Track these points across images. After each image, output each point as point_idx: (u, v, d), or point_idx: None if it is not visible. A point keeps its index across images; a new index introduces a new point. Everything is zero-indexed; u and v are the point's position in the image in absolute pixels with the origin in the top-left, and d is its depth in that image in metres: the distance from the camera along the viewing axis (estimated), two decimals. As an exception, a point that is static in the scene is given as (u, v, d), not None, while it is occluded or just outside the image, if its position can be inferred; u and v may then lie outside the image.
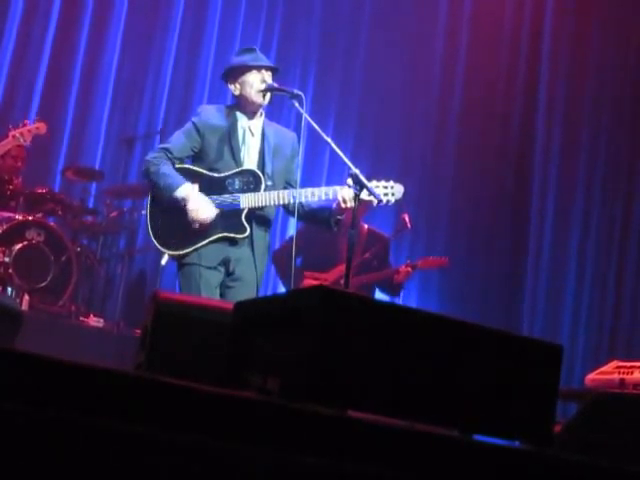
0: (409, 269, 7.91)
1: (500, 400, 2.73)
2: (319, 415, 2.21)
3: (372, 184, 5.06)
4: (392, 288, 7.97)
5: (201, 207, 5.15)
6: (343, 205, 5.08)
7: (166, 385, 2.06)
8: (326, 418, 2.21)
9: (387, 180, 5.18)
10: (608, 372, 5.52)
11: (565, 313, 10.06)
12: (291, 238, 7.84)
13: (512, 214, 10.36)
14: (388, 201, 5.14)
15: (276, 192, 5.18)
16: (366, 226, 8.03)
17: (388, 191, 5.14)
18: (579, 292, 10.12)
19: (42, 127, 7.13)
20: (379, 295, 8.01)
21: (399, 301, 8.39)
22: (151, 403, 2.00)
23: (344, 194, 5.07)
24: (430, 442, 2.31)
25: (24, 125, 7.08)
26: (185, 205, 5.15)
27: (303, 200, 5.19)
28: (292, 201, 5.18)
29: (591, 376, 5.61)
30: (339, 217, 5.24)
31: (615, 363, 5.60)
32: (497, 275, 10.13)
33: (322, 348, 2.47)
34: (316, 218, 5.34)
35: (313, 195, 5.16)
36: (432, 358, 2.63)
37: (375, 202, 5.05)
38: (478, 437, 2.71)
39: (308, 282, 7.35)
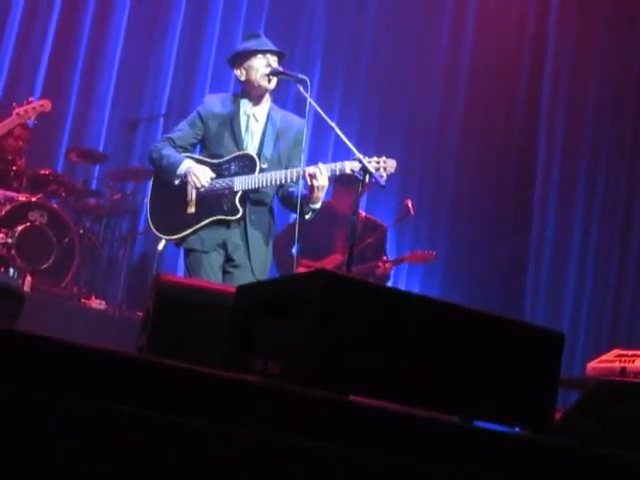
0: (387, 265, 7.84)
1: (501, 386, 2.74)
2: (320, 399, 2.21)
3: (365, 161, 5.03)
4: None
5: (201, 174, 5.22)
6: (309, 182, 5.07)
7: (168, 368, 2.06)
8: (327, 402, 2.21)
9: (379, 155, 5.16)
10: (609, 360, 5.52)
11: (567, 301, 10.07)
12: (290, 226, 7.84)
13: (515, 202, 10.36)
14: (380, 176, 5.12)
15: (268, 173, 5.18)
16: (364, 213, 7.99)
17: (380, 166, 5.11)
18: (581, 280, 10.13)
19: (47, 104, 7.08)
20: None
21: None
22: (153, 386, 2.00)
23: (310, 170, 5.07)
24: (430, 427, 2.31)
25: (28, 103, 7.04)
26: (187, 178, 5.22)
27: (290, 180, 5.18)
28: (284, 181, 5.19)
29: (592, 364, 5.61)
30: (312, 205, 5.21)
31: (616, 351, 5.61)
32: (499, 263, 10.12)
33: (323, 332, 2.47)
34: (291, 204, 5.32)
35: (297, 176, 5.14)
36: (433, 343, 2.63)
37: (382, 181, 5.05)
38: (478, 423, 2.71)
39: (303, 270, 7.31)
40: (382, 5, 10.42)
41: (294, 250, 7.44)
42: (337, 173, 5.09)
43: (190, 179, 5.21)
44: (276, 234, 7.97)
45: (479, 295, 9.52)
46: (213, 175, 5.24)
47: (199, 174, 5.21)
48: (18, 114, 6.95)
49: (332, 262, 7.60)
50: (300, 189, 5.14)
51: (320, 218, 7.43)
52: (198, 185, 5.20)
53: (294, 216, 5.50)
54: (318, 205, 5.22)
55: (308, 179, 5.06)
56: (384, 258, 7.97)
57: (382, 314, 2.55)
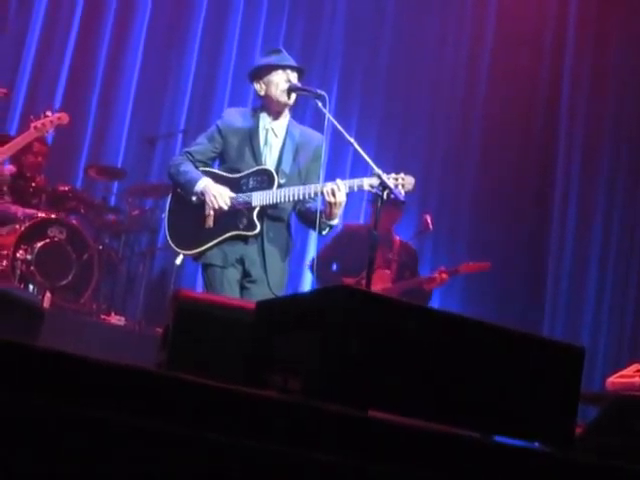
0: (444, 276, 7.82)
1: (521, 402, 2.73)
2: (340, 415, 2.21)
3: (384, 177, 4.97)
4: (420, 296, 7.84)
5: (219, 194, 5.19)
6: (327, 199, 5.06)
7: (187, 383, 2.06)
8: (347, 418, 2.21)
9: (397, 172, 5.14)
10: (629, 375, 5.50)
11: (586, 315, 10.01)
12: (328, 246, 7.85)
13: (534, 215, 10.33)
14: (399, 192, 5.08)
15: (286, 189, 5.16)
16: (398, 238, 8.02)
17: (399, 183, 5.07)
18: (600, 294, 10.07)
19: (64, 117, 7.08)
20: None
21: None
22: (172, 401, 2.00)
23: (327, 188, 5.02)
24: (451, 443, 2.31)
25: (46, 116, 7.04)
26: (204, 197, 5.20)
27: (308, 196, 5.16)
28: (301, 197, 5.17)
29: (612, 379, 5.58)
30: (328, 221, 5.18)
31: (636, 366, 5.58)
32: (518, 276, 10.10)
33: (343, 348, 2.47)
34: (309, 220, 5.30)
35: (315, 192, 5.12)
36: (453, 359, 2.63)
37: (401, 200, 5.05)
38: (498, 438, 2.70)
39: None
40: (400, 20, 10.42)
41: (333, 269, 7.49)
42: (355, 189, 5.06)
43: (208, 199, 5.20)
44: (318, 253, 8.03)
45: (498, 309, 9.51)
46: (232, 195, 5.21)
47: (217, 194, 5.19)
48: (36, 127, 6.96)
49: (378, 278, 7.58)
50: (318, 205, 5.13)
51: (360, 239, 7.49)
52: (216, 207, 5.17)
53: (311, 232, 5.49)
54: (335, 221, 5.19)
55: (326, 195, 5.04)
56: (441, 268, 7.98)
57: (403, 329, 2.55)
